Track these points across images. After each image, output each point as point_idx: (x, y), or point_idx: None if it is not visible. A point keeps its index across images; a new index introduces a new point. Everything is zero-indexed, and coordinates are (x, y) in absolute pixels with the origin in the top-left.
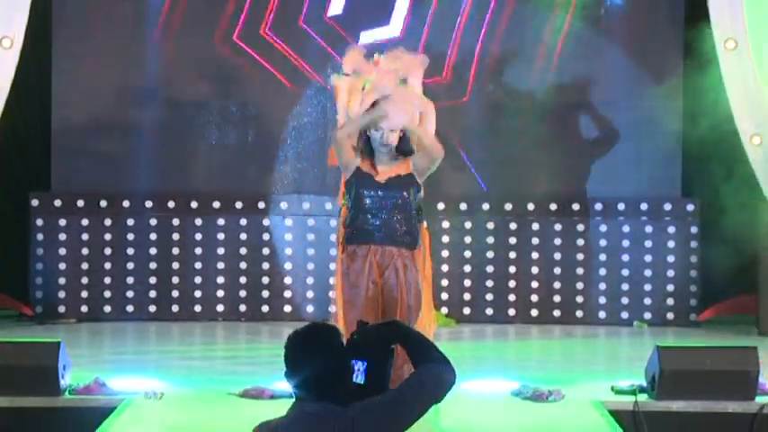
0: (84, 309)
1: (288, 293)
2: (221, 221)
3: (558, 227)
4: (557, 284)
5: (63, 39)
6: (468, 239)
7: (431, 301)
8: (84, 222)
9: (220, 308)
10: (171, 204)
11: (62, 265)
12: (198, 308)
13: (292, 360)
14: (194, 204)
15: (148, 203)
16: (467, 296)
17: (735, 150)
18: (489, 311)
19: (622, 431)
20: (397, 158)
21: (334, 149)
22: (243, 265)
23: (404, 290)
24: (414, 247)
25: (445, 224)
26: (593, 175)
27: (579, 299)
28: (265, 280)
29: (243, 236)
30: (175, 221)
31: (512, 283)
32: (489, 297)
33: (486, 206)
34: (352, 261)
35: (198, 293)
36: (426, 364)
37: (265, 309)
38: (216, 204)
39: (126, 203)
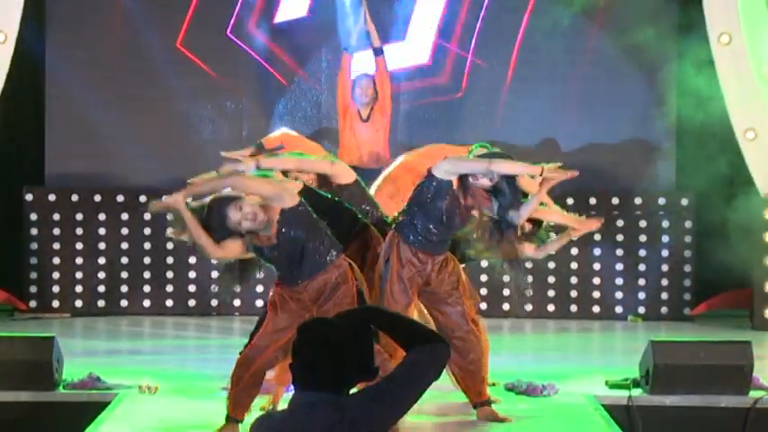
0: (78, 303)
1: None
2: None
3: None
4: (551, 279)
5: (57, 33)
6: None
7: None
8: (79, 217)
9: (214, 302)
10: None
11: (56, 260)
12: (192, 302)
13: (296, 351)
14: (189, 199)
15: (142, 198)
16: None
17: (729, 145)
18: (483, 306)
19: (616, 425)
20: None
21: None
22: None
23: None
24: (333, 260)
25: None
26: (588, 169)
27: (573, 293)
28: (259, 274)
29: None
30: (169, 216)
31: (506, 278)
32: (483, 292)
33: None
34: (286, 298)
35: (192, 288)
36: (417, 346)
37: (259, 303)
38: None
39: (120, 198)
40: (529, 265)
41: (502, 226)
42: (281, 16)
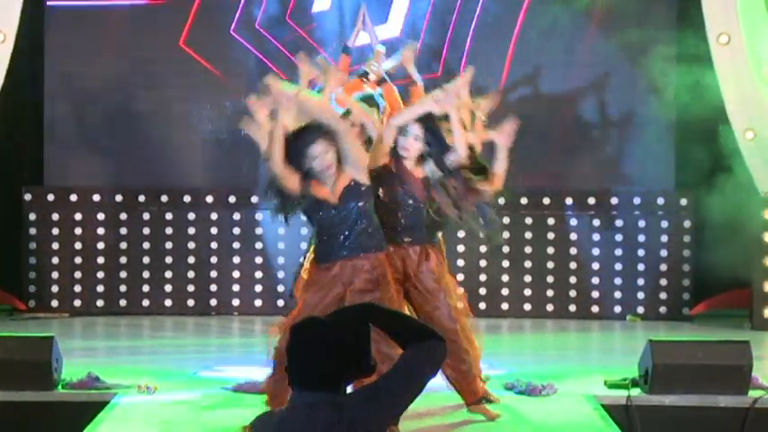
0: (77, 303)
1: (281, 287)
2: (214, 216)
3: (551, 221)
4: (550, 279)
5: (56, 33)
6: (460, 234)
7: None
8: (78, 217)
9: (213, 302)
10: (164, 199)
11: (55, 260)
12: (191, 302)
13: (291, 351)
14: (187, 199)
15: (141, 198)
16: (459, 290)
17: (728, 145)
18: (482, 306)
19: (615, 425)
20: (337, 174)
21: (282, 179)
22: (236, 260)
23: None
24: (379, 249)
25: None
26: (587, 169)
27: (572, 293)
28: (258, 274)
29: (236, 230)
30: (168, 216)
31: (505, 278)
32: (482, 291)
33: None
34: (319, 276)
35: (191, 288)
36: (414, 343)
37: (258, 303)
38: (209, 199)
39: (119, 198)
40: (528, 264)
41: (446, 177)
42: (273, 15)
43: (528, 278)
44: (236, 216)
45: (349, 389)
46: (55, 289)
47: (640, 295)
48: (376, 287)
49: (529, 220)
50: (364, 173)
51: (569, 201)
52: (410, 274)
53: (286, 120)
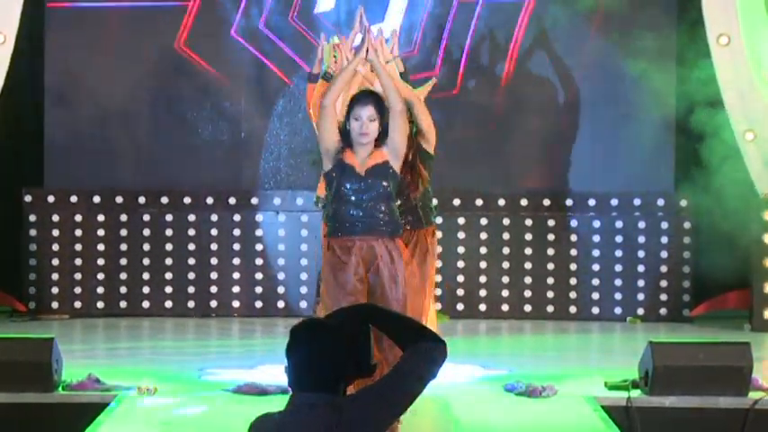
0: (77, 304)
1: (281, 289)
2: (214, 217)
3: (551, 222)
4: (550, 280)
5: (56, 33)
6: (461, 235)
7: (429, 303)
8: (78, 218)
9: (213, 304)
10: (164, 200)
11: (55, 261)
12: (191, 304)
13: (290, 353)
14: (187, 200)
15: (141, 199)
16: (460, 292)
17: (728, 146)
18: (482, 307)
19: (615, 427)
20: (373, 149)
21: (320, 126)
22: (236, 262)
23: (392, 287)
24: (396, 234)
25: (438, 220)
26: (587, 170)
27: (572, 294)
28: (259, 276)
29: (236, 232)
30: (168, 217)
31: (505, 279)
32: (483, 293)
33: (479, 202)
34: (337, 255)
35: (191, 289)
36: (414, 345)
37: (258, 304)
38: (209, 200)
39: (119, 199)
40: (528, 266)
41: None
42: (277, 17)
43: (528, 280)
44: (237, 218)
45: (349, 390)
46: (55, 290)
47: (640, 297)
48: (393, 280)
49: (529, 222)
50: (400, 160)
51: (569, 202)
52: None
53: (359, 65)
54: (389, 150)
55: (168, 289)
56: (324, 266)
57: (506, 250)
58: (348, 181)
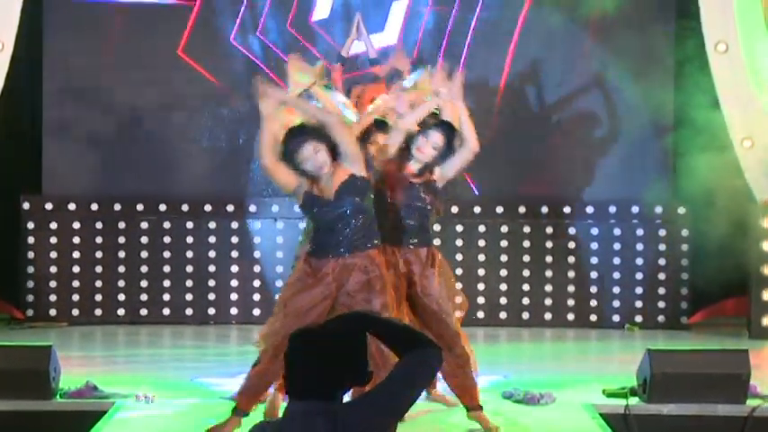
0: (75, 312)
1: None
2: (212, 224)
3: (549, 230)
4: (548, 287)
5: (54, 41)
6: (459, 242)
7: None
8: (76, 226)
9: (211, 311)
10: (162, 207)
11: (53, 269)
12: (189, 311)
13: (288, 360)
14: (185, 207)
15: (140, 207)
16: (457, 299)
17: (726, 153)
18: (480, 315)
19: None
20: (333, 169)
21: (275, 181)
22: (234, 269)
23: (367, 299)
24: (371, 246)
25: (436, 227)
26: (585, 178)
27: (570, 302)
28: (256, 283)
29: (234, 239)
30: (166, 224)
31: (503, 287)
32: (480, 300)
33: (477, 209)
34: (309, 274)
35: (189, 297)
36: (409, 351)
37: (257, 312)
38: (207, 207)
39: (117, 207)
40: (526, 273)
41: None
42: (274, 24)
43: (526, 287)
44: (235, 225)
45: (346, 397)
46: (53, 298)
47: (638, 304)
48: (370, 290)
49: (527, 229)
50: (361, 166)
51: (567, 209)
52: (414, 278)
53: (273, 126)
54: (347, 162)
55: (166, 296)
56: (293, 280)
57: (504, 258)
58: (320, 209)
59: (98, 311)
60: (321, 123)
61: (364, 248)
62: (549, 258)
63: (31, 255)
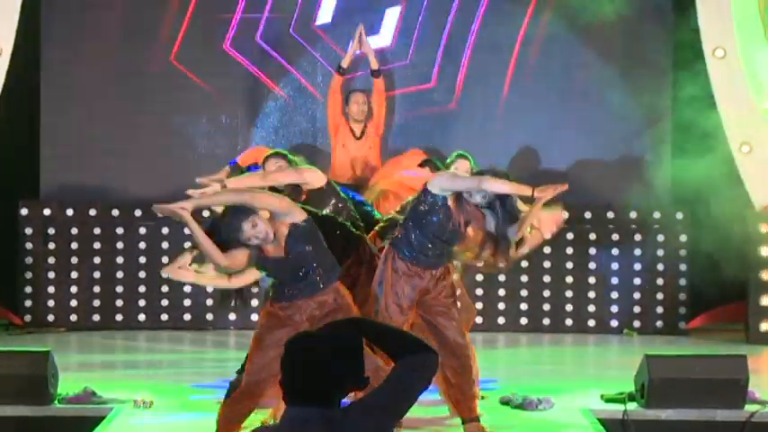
0: (73, 318)
1: None
2: None
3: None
4: (546, 293)
5: (52, 47)
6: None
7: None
8: (74, 231)
9: (209, 317)
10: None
11: (51, 274)
12: (187, 316)
13: (284, 366)
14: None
15: (138, 212)
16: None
17: (724, 159)
18: (479, 320)
19: None
20: (273, 231)
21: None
22: None
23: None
24: (332, 281)
25: None
26: (583, 183)
27: (569, 307)
28: (254, 289)
29: None
30: (165, 230)
31: (501, 292)
32: (479, 306)
33: None
34: (277, 316)
35: (187, 302)
36: (405, 356)
37: (254, 317)
38: (205, 213)
39: (115, 212)
40: (524, 278)
41: (497, 240)
42: (275, 30)
43: (524, 292)
44: None
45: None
46: (51, 303)
47: (637, 309)
48: (344, 312)
49: None
50: (295, 212)
51: (565, 215)
52: (428, 289)
53: (201, 231)
54: (282, 218)
55: (164, 302)
56: (263, 322)
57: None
58: (276, 268)
59: (96, 317)
60: (242, 205)
61: (327, 285)
62: (546, 264)
63: (29, 260)
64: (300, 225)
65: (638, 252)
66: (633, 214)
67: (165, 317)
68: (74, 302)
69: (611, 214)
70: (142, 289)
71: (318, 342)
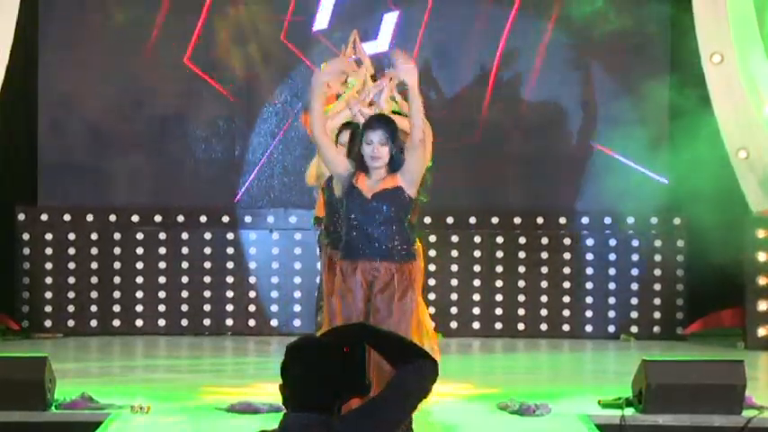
0: (70, 323)
1: (275, 308)
2: (208, 235)
3: (544, 240)
4: (543, 298)
5: (49, 53)
6: (454, 253)
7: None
8: (71, 237)
9: (207, 322)
10: (157, 218)
11: (48, 280)
12: (184, 322)
13: (285, 371)
14: (181, 218)
15: (135, 218)
16: (453, 310)
17: (721, 164)
18: (476, 325)
19: None
20: (386, 174)
21: (323, 157)
22: (229, 280)
23: (388, 312)
24: (398, 259)
25: (432, 238)
26: (580, 188)
27: (566, 312)
28: (252, 294)
29: (230, 250)
30: (162, 236)
31: (498, 297)
32: (476, 311)
33: (472, 220)
34: (344, 278)
35: (184, 308)
36: (405, 365)
37: (252, 323)
38: (203, 218)
39: (112, 218)
40: (521, 284)
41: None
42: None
43: (521, 298)
44: (230, 236)
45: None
46: (48, 309)
47: (634, 315)
48: (403, 295)
49: (522, 240)
50: (415, 187)
51: (563, 220)
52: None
53: (322, 98)
54: (404, 177)
55: (161, 307)
56: (328, 289)
57: (500, 268)
58: (353, 205)
59: (93, 322)
60: (403, 125)
61: (393, 260)
62: (544, 269)
63: (26, 266)
64: (404, 195)
65: (635, 257)
66: (630, 220)
67: (162, 322)
68: (71, 308)
69: (608, 220)
70: (139, 294)
71: (320, 348)
